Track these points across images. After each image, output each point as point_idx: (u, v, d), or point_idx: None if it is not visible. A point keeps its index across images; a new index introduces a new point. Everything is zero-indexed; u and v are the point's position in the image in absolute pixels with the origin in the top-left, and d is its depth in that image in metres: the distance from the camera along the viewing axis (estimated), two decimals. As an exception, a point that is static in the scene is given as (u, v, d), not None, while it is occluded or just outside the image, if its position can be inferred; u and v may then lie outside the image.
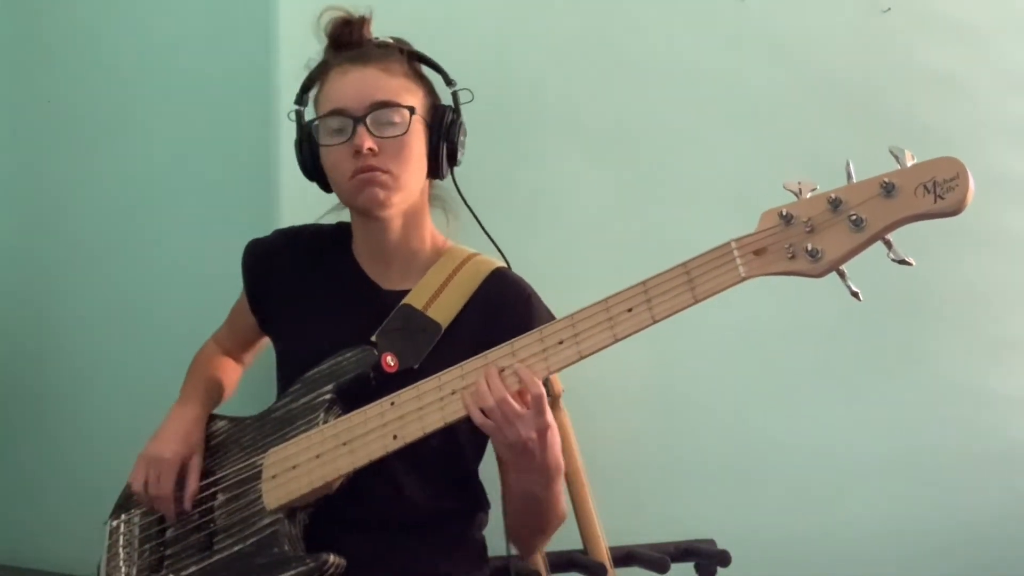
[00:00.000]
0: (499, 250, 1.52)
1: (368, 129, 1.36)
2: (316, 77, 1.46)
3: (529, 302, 1.45)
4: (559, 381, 1.77)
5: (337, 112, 1.38)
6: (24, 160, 2.05)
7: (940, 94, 2.08)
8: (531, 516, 1.40)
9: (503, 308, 1.43)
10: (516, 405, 1.22)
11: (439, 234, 1.52)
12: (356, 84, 1.39)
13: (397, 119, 1.38)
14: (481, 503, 1.51)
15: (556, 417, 1.75)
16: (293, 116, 1.46)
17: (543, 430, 1.24)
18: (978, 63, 2.11)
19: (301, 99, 1.47)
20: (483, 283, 1.45)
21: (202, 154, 1.89)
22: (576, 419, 1.80)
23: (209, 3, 1.91)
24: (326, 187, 1.46)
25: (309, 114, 1.47)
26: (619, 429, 1.93)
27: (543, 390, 1.22)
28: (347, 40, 1.45)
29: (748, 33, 2.00)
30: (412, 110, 1.39)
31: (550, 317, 1.43)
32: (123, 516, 1.50)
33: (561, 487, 1.36)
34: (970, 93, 2.11)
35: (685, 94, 1.97)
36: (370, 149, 1.35)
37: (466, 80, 1.77)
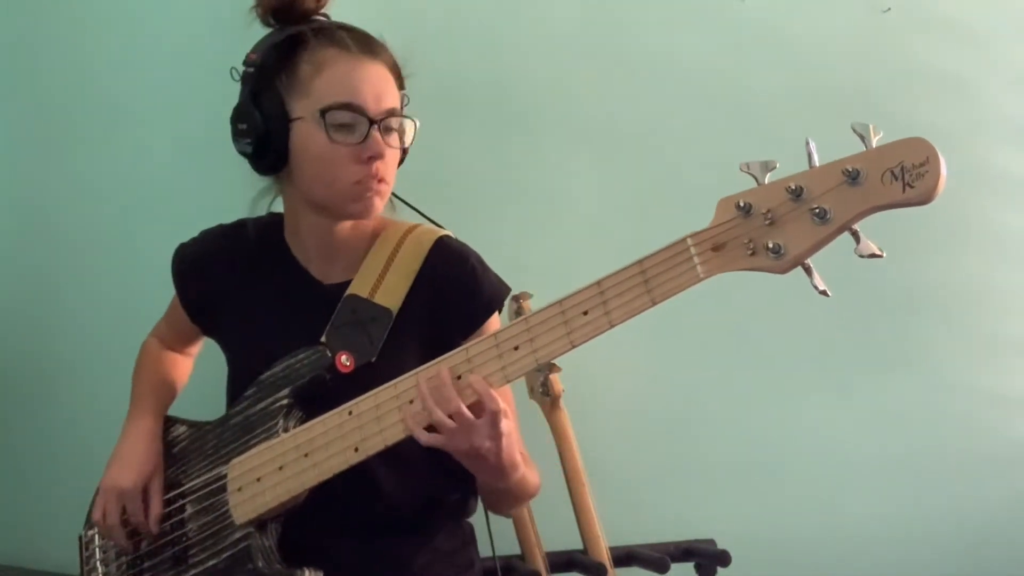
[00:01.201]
0: (435, 223, 1.43)
1: (381, 135, 1.25)
2: (297, 48, 1.26)
3: (475, 272, 1.33)
4: (559, 381, 1.77)
5: (350, 107, 1.23)
6: (21, 160, 2.03)
7: (940, 94, 2.04)
8: (501, 498, 1.38)
9: (450, 281, 1.32)
10: (468, 415, 1.14)
11: None
12: (373, 81, 1.25)
13: (397, 128, 1.28)
14: (469, 486, 1.40)
15: (556, 417, 1.77)
16: (238, 75, 1.30)
17: (497, 439, 1.15)
18: (978, 63, 2.08)
19: (262, 61, 1.27)
20: (427, 257, 1.33)
21: (200, 153, 1.85)
22: (576, 419, 1.79)
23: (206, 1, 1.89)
24: (271, 168, 1.30)
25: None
26: (619, 429, 1.92)
27: (500, 406, 1.13)
28: (308, 9, 1.29)
29: (748, 33, 1.97)
30: (414, 123, 1.30)
31: (499, 284, 1.35)
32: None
33: (524, 475, 1.26)
34: (970, 93, 2.08)
35: (685, 94, 1.95)
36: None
37: (466, 79, 1.77)
